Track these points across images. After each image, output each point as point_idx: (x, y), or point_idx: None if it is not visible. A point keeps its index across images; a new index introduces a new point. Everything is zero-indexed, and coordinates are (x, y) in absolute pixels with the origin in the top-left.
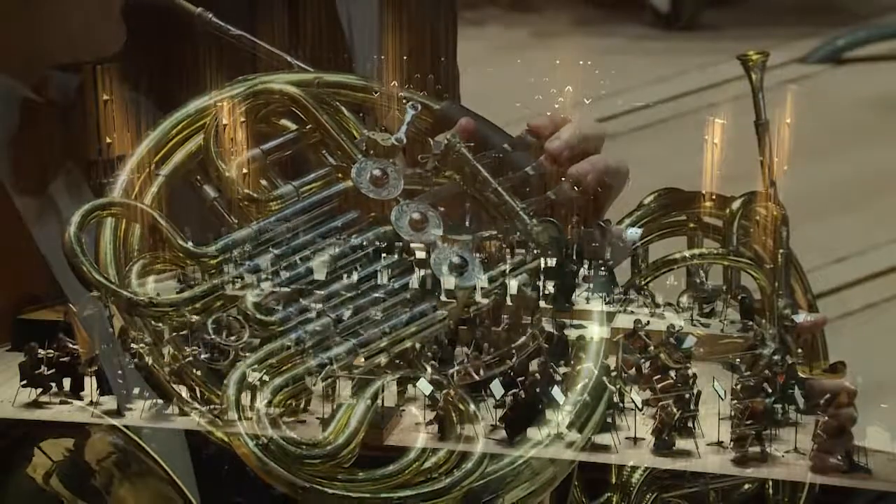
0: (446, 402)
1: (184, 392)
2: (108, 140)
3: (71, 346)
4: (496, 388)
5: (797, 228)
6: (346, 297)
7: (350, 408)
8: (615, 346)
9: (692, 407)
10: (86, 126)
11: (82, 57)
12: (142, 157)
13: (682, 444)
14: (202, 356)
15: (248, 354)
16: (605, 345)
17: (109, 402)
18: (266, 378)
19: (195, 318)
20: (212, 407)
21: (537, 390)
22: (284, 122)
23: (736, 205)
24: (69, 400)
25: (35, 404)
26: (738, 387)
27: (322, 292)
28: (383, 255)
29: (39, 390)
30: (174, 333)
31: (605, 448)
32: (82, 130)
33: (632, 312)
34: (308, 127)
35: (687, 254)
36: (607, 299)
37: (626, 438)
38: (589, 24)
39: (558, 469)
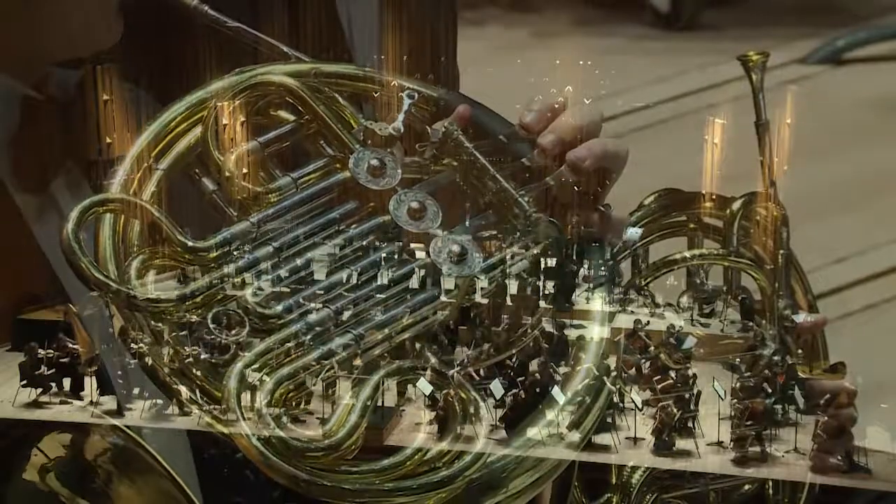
0: (448, 394)
1: (185, 390)
2: (108, 140)
3: (71, 346)
4: (496, 388)
5: (797, 229)
6: (347, 287)
7: (352, 399)
8: (615, 346)
9: (692, 407)
10: (86, 126)
11: (80, 53)
12: (140, 150)
13: (682, 444)
14: (202, 356)
15: (250, 347)
16: (605, 345)
17: (109, 402)
18: (267, 373)
19: (194, 318)
20: (213, 406)
21: (537, 390)
22: (282, 113)
23: (736, 205)
24: (69, 400)
25: (35, 404)
26: (738, 387)
27: (322, 284)
28: (382, 245)
29: (39, 390)
30: (173, 333)
31: (605, 448)
32: (82, 130)
33: (632, 312)
34: (305, 118)
35: (687, 254)
36: (607, 299)
37: (626, 438)
38: (589, 24)
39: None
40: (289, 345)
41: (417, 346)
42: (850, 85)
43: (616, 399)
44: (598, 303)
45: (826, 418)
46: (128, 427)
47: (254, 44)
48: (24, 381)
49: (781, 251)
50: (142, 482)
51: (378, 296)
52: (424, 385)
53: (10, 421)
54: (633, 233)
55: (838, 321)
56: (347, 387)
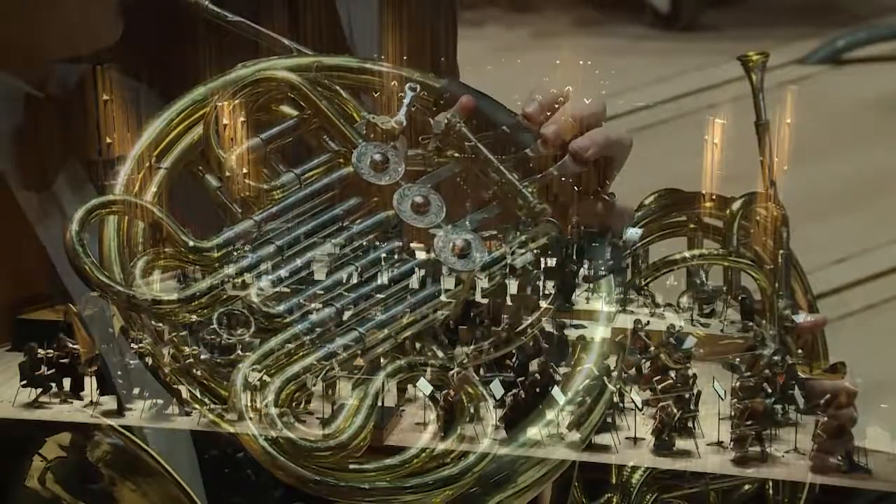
0: (455, 386)
1: (187, 390)
2: (109, 140)
3: (71, 346)
4: (496, 388)
5: (797, 229)
6: (352, 286)
7: (359, 398)
8: (616, 346)
9: (692, 407)
10: (86, 126)
11: (81, 51)
12: (143, 149)
13: (682, 444)
14: (203, 356)
15: (255, 346)
16: (605, 345)
17: (109, 402)
18: (272, 373)
19: (195, 317)
20: (217, 406)
21: (537, 390)
22: (284, 108)
23: (736, 205)
24: (69, 400)
25: (35, 404)
26: (738, 387)
27: (327, 282)
28: (386, 241)
29: (39, 390)
30: (174, 333)
31: (605, 448)
32: (84, 129)
33: (632, 312)
34: (308, 113)
35: (687, 254)
36: (615, 291)
37: (626, 438)
38: (589, 24)
39: None
40: (294, 344)
41: (418, 345)
42: (850, 85)
43: (616, 399)
44: (598, 302)
45: (826, 418)
46: (130, 428)
47: (255, 38)
48: (24, 381)
49: (781, 251)
50: (146, 486)
51: (383, 294)
52: (424, 385)
53: (12, 422)
54: (633, 233)
55: (838, 321)
56: (348, 387)
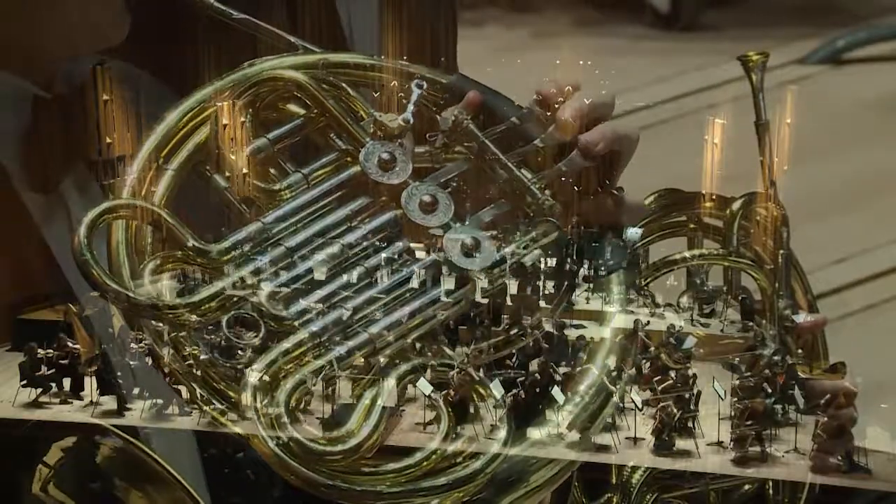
0: (461, 383)
1: (196, 390)
2: (109, 140)
3: (71, 346)
4: (496, 388)
5: (797, 229)
6: (359, 287)
7: (370, 399)
8: (616, 347)
9: (692, 407)
10: (86, 126)
11: (87, 51)
12: (150, 151)
13: (682, 444)
14: (211, 354)
15: (266, 348)
16: (605, 345)
17: (109, 403)
18: (283, 376)
19: (205, 321)
20: (221, 406)
21: (537, 390)
22: (291, 106)
23: (736, 205)
24: (69, 400)
25: (35, 404)
26: (738, 387)
27: (337, 284)
28: (394, 241)
29: (39, 390)
30: (173, 333)
31: (605, 448)
32: (83, 130)
33: (632, 312)
34: (315, 112)
35: (687, 254)
36: (626, 288)
37: (626, 438)
38: (589, 24)
39: None
40: (305, 347)
41: (418, 345)
42: (850, 85)
43: (616, 399)
44: (609, 302)
45: (826, 418)
46: (133, 430)
47: (259, 34)
48: (24, 381)
49: (781, 251)
50: (151, 490)
51: (394, 294)
52: (424, 385)
53: (12, 422)
54: (633, 233)
55: (838, 321)
56: (348, 387)
